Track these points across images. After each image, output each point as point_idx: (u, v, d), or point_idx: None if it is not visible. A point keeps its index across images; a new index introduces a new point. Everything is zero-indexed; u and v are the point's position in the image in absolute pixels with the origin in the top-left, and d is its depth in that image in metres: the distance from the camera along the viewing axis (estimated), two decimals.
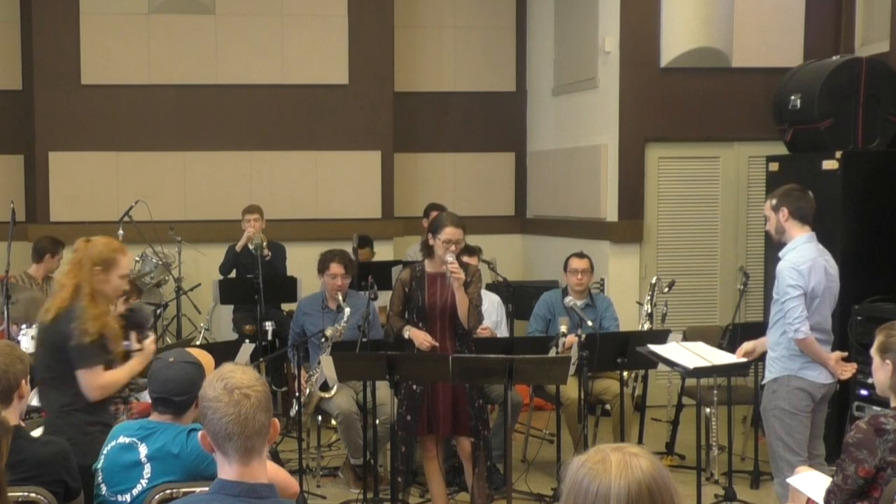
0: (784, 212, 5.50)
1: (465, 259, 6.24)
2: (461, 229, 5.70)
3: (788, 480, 4.56)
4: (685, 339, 6.38)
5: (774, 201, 5.56)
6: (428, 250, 5.83)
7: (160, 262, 9.00)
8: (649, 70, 8.78)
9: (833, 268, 5.58)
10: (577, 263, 7.11)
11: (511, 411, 5.95)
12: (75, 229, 9.26)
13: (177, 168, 9.84)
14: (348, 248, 8.57)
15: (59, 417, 4.48)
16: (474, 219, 8.15)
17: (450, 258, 5.59)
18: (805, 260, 5.42)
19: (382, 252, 9.43)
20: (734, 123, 8.87)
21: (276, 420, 2.81)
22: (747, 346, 5.80)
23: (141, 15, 9.72)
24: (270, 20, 9.87)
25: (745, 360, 5.81)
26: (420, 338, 5.78)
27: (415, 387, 5.84)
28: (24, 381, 3.78)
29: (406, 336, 5.86)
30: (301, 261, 8.55)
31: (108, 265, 4.58)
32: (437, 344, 5.78)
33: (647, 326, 7.16)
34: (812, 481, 4.20)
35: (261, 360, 6.82)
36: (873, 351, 4.01)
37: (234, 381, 2.73)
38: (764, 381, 5.68)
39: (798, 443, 5.46)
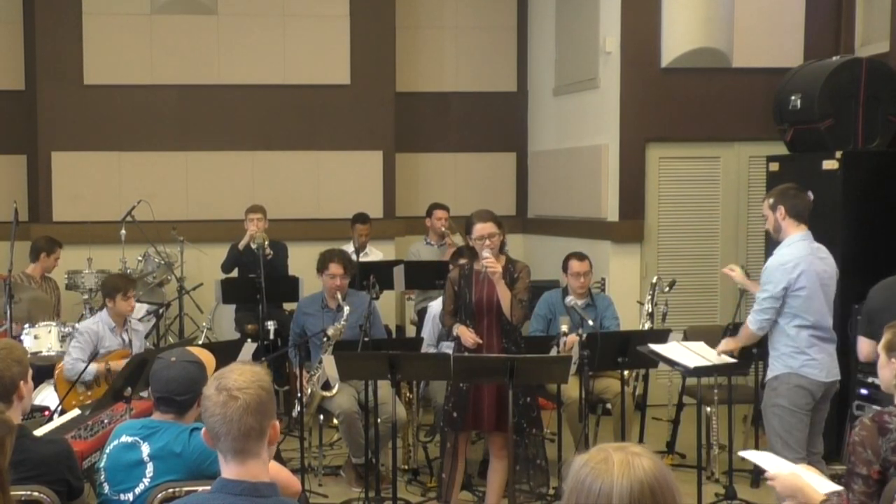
0: (781, 210, 5.57)
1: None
2: (490, 222, 5.80)
3: (740, 453, 4.51)
4: (686, 338, 6.39)
5: (771, 200, 5.63)
6: (472, 252, 5.93)
7: (162, 262, 9.03)
8: (650, 70, 8.79)
9: (830, 265, 5.62)
10: (577, 266, 7.11)
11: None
12: (78, 229, 9.35)
13: (179, 168, 9.86)
14: (350, 246, 8.61)
15: None
16: None
17: (485, 253, 5.70)
18: (791, 259, 5.49)
19: (384, 251, 9.44)
20: (734, 123, 8.88)
21: (276, 423, 2.78)
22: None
23: (143, 15, 9.74)
24: (272, 21, 9.89)
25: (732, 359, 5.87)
26: (465, 335, 5.85)
27: (462, 384, 5.88)
28: (21, 383, 3.75)
29: (455, 333, 5.95)
30: (303, 260, 8.56)
31: None
32: (481, 341, 5.83)
33: (647, 326, 7.17)
34: (766, 457, 4.11)
35: (262, 359, 6.84)
36: (880, 348, 4.02)
37: (226, 382, 2.71)
38: (766, 379, 5.71)
39: (797, 440, 5.49)
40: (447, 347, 6.45)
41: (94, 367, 6.47)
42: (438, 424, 6.07)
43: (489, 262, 5.67)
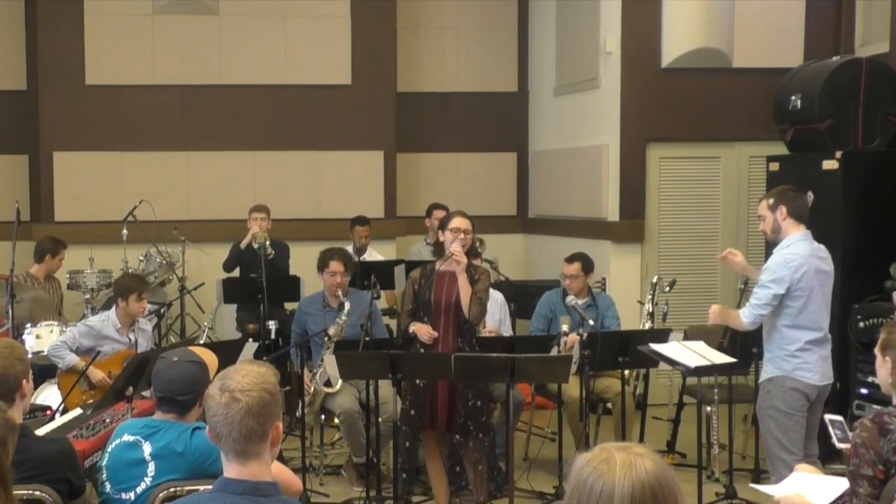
0: (782, 210, 5.56)
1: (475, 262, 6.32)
2: (468, 220, 5.91)
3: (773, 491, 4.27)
4: (686, 338, 6.38)
5: (772, 201, 5.62)
6: (439, 248, 5.96)
7: (164, 262, 9.04)
8: (650, 70, 8.80)
9: (829, 265, 5.62)
10: (565, 269, 7.15)
11: (513, 410, 5.98)
12: (79, 229, 9.37)
13: (180, 168, 9.87)
14: (350, 247, 8.62)
15: None
16: (476, 218, 8.15)
17: (455, 245, 5.75)
18: (796, 257, 5.48)
19: (385, 251, 9.46)
20: (735, 123, 8.89)
21: (279, 424, 2.78)
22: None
23: (145, 16, 9.75)
24: (273, 21, 9.91)
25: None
26: (422, 330, 5.91)
27: (417, 381, 5.92)
28: (24, 382, 3.78)
29: (411, 331, 5.98)
30: (304, 260, 8.57)
31: None
32: (436, 334, 5.86)
33: (648, 325, 7.18)
34: (803, 482, 4.10)
35: (264, 359, 6.84)
36: (876, 348, 4.03)
37: (229, 383, 2.71)
38: (759, 381, 5.71)
39: (794, 441, 5.49)
40: None
41: (75, 358, 6.53)
42: (395, 426, 6.05)
43: (456, 249, 5.73)
